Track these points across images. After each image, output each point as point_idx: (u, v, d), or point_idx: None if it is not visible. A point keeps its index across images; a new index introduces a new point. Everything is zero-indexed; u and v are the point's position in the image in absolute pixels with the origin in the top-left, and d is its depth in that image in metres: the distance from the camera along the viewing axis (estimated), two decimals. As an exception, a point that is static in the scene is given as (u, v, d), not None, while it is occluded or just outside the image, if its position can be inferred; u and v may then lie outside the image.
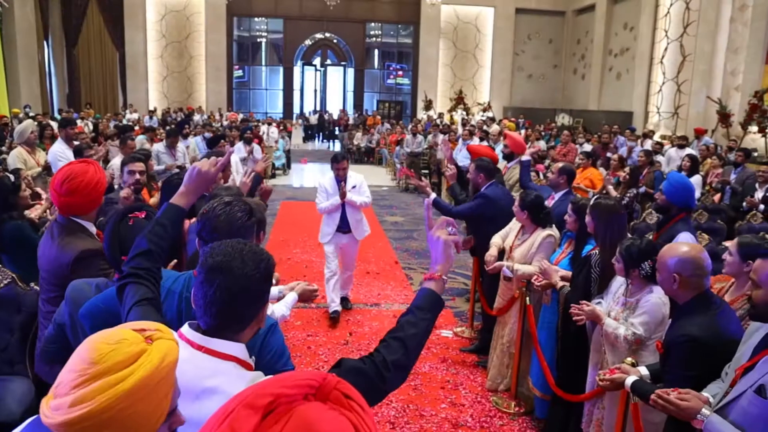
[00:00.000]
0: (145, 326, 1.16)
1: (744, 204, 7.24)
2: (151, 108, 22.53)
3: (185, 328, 1.55)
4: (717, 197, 8.13)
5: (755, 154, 13.00)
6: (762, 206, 7.03)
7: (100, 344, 1.08)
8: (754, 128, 14.45)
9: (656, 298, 2.97)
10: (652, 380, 2.66)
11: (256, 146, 10.58)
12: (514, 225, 4.64)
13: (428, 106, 24.47)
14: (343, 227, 5.97)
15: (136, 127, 14.01)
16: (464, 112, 24.03)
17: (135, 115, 20.29)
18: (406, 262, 8.07)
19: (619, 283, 3.21)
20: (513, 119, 18.53)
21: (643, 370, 2.63)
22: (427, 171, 14.01)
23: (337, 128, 26.04)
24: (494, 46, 25.41)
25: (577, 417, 3.42)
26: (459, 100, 24.74)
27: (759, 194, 7.32)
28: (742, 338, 2.24)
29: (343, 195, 5.79)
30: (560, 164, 5.19)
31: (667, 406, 2.10)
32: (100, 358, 1.05)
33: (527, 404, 4.39)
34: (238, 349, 1.52)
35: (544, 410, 4.11)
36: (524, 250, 4.34)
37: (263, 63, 27.72)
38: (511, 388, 4.49)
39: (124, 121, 16.55)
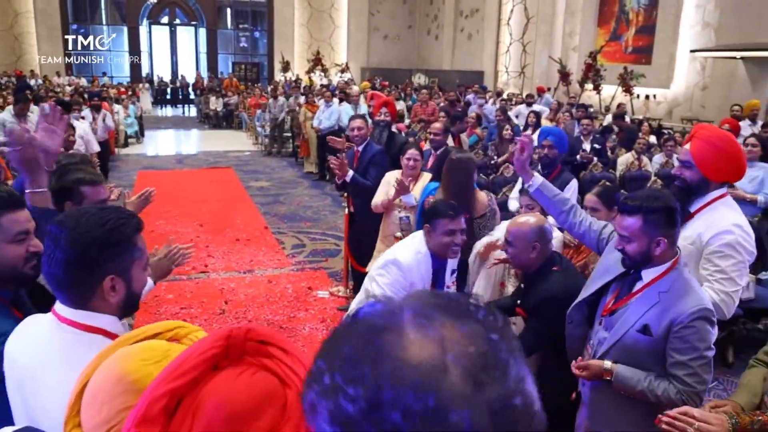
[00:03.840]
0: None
1: (578, 157, 7.64)
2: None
3: (57, 304, 1.41)
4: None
5: (591, 109, 14.23)
6: (595, 158, 7.60)
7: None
8: (589, 86, 15.79)
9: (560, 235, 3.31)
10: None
11: (105, 112, 9.86)
12: (390, 178, 4.61)
13: (286, 67, 23.97)
14: None
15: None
16: (322, 74, 23.84)
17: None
18: (276, 227, 8.00)
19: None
20: (368, 80, 18.82)
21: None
22: (289, 135, 13.81)
23: (192, 92, 24.82)
24: (350, 6, 25.36)
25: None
26: (317, 62, 24.44)
27: (586, 146, 7.90)
28: (603, 252, 2.44)
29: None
30: (438, 124, 5.59)
31: (589, 372, 2.19)
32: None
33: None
34: (106, 321, 1.38)
35: None
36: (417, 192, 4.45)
37: (104, 22, 25.55)
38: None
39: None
